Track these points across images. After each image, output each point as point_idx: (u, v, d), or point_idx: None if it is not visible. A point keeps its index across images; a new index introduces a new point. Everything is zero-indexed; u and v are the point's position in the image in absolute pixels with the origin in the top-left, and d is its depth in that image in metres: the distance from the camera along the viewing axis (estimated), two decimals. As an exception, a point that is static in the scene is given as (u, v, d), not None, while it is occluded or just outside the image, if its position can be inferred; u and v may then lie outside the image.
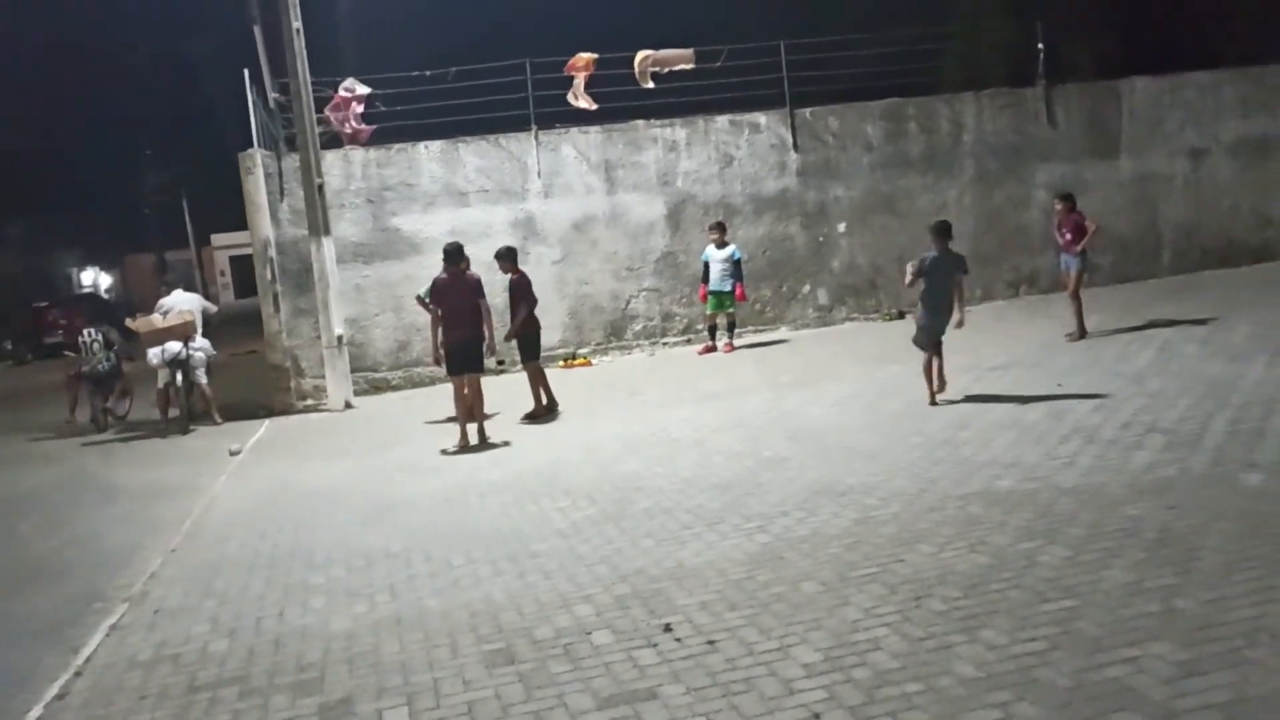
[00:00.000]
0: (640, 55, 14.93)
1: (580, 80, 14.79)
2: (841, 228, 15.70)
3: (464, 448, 9.81)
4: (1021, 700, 3.91)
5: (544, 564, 6.17)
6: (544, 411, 10.96)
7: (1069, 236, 11.95)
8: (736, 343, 14.40)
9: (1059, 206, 12.19)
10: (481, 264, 11.90)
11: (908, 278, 9.48)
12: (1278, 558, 4.93)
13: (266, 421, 12.99)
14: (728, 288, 13.93)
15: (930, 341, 9.43)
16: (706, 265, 14.06)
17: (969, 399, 9.33)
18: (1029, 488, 6.51)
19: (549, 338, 14.02)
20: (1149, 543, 5.31)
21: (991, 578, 5.09)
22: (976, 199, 16.11)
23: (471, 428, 9.96)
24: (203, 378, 12.95)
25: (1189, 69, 16.90)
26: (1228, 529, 5.38)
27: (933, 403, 9.31)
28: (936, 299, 9.39)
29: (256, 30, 13.62)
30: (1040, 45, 16.25)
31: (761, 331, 15.31)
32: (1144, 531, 5.48)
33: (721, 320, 14.35)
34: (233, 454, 10.95)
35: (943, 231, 9.41)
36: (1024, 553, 5.38)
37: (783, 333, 15.34)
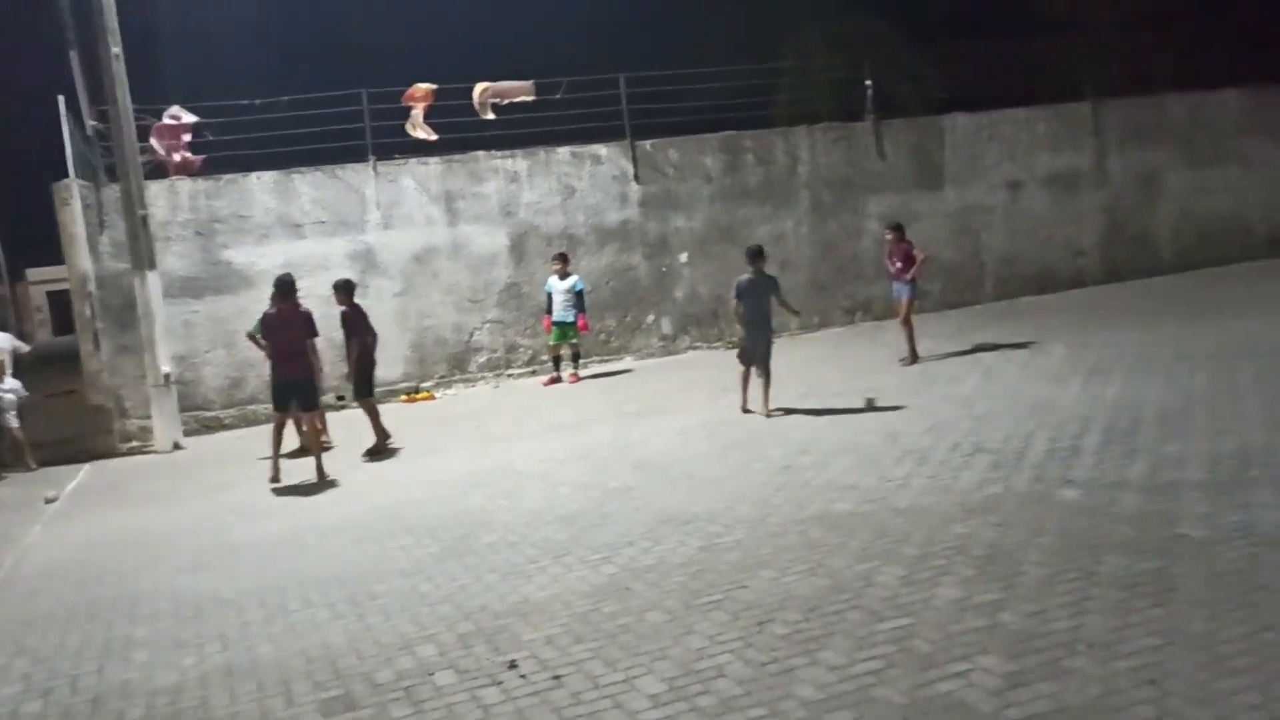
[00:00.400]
0: (480, 87, 14.89)
1: (419, 111, 14.64)
2: (683, 258, 15.93)
3: (275, 479, 9.70)
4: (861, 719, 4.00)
5: (385, 604, 6.00)
6: (386, 447, 10.72)
7: (899, 265, 12.43)
8: (582, 373, 14.41)
9: (889, 236, 12.68)
10: (319, 298, 11.60)
11: (731, 304, 10.49)
12: (1094, 570, 5.20)
13: (87, 466, 12.29)
14: (571, 318, 13.94)
15: (748, 358, 10.26)
16: (550, 296, 14.04)
17: (806, 416, 9.58)
18: (866, 510, 6.69)
19: (392, 371, 13.77)
20: (977, 559, 5.53)
21: (831, 599, 5.21)
22: (812, 229, 16.60)
23: (303, 463, 9.67)
24: (13, 421, 12.20)
25: (1004, 106, 17.86)
26: (1048, 544, 5.65)
27: (744, 410, 10.24)
28: (753, 318, 10.23)
29: (73, 55, 12.98)
30: (868, 82, 16.93)
31: (606, 361, 15.37)
32: (972, 549, 5.70)
33: (566, 351, 14.34)
34: (48, 501, 10.31)
35: (755, 255, 10.34)
36: (861, 574, 5.52)
37: (628, 362, 15.43)
